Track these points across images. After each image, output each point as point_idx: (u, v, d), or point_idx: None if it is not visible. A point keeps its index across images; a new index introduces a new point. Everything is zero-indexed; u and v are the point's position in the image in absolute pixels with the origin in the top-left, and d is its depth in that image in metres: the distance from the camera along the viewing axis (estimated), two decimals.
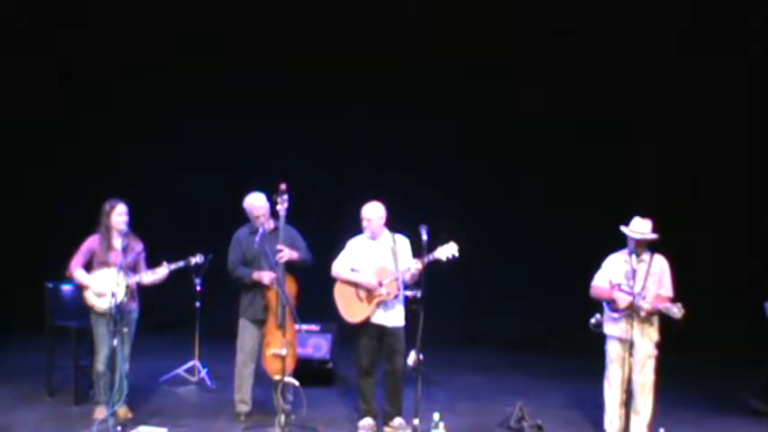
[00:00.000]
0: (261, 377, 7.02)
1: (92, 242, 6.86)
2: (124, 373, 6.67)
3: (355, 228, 6.95)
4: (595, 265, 6.82)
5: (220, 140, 11.01)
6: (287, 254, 6.70)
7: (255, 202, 6.88)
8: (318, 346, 8.35)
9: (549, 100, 10.50)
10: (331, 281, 6.89)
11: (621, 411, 6.55)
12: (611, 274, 6.68)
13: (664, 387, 6.81)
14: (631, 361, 6.45)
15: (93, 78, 10.76)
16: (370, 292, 6.72)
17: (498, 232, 10.87)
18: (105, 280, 6.70)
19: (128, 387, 6.78)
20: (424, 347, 6.40)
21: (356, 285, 6.77)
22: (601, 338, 6.76)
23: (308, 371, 7.80)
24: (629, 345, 6.43)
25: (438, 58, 10.57)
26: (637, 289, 6.45)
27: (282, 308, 6.72)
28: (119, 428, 6.38)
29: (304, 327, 7.63)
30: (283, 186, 6.62)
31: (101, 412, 6.67)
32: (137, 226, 6.96)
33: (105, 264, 6.77)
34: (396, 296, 6.72)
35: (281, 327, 6.71)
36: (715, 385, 8.89)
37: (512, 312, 10.74)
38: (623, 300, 6.50)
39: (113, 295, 6.54)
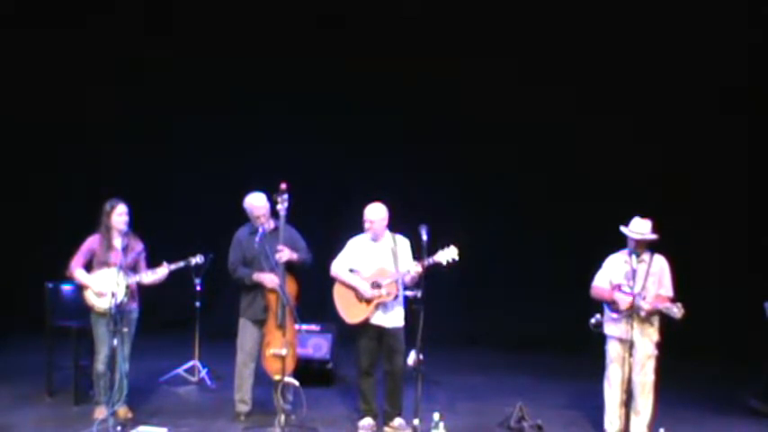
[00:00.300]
0: (261, 377, 7.02)
1: (92, 242, 6.86)
2: (124, 373, 6.67)
3: (355, 228, 6.95)
4: (595, 265, 6.82)
5: (220, 140, 11.01)
6: (287, 254, 6.70)
7: (256, 202, 6.88)
8: (318, 346, 8.35)
9: (549, 100, 10.49)
10: (331, 281, 6.89)
11: (621, 411, 6.55)
12: (612, 275, 6.68)
13: (664, 387, 6.81)
14: (631, 361, 6.45)
15: (93, 78, 10.75)
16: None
17: (498, 232, 10.87)
18: (105, 280, 6.70)
19: (128, 387, 6.79)
20: (423, 347, 6.40)
21: (353, 289, 6.77)
22: (601, 338, 6.76)
23: (308, 371, 7.81)
24: (630, 345, 6.43)
25: (438, 59, 10.56)
26: (637, 289, 6.45)
27: (283, 308, 6.72)
28: (119, 428, 6.38)
29: (304, 327, 7.63)
30: (284, 186, 6.62)
31: (101, 412, 6.67)
32: (137, 226, 6.96)
33: (105, 264, 6.77)
34: (395, 297, 6.72)
35: (282, 327, 6.71)
36: (715, 385, 8.89)
37: (512, 312, 10.75)
38: (624, 301, 6.50)
39: (113, 295, 6.54)
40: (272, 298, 6.77)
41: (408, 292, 6.69)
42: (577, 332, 7.10)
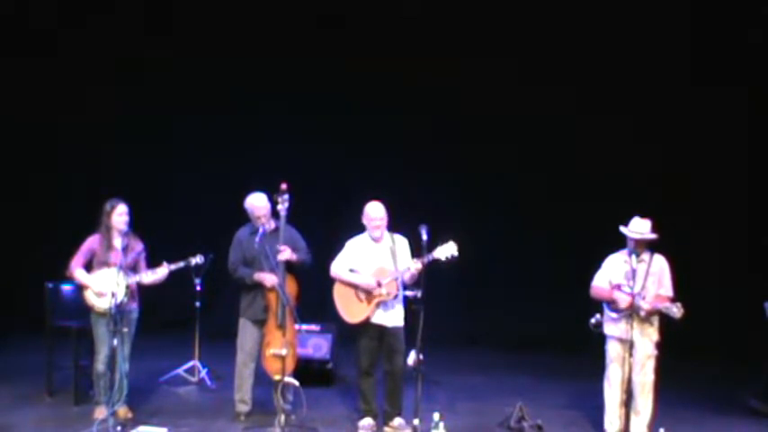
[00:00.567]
0: (261, 377, 7.02)
1: (92, 242, 6.86)
2: (124, 373, 6.67)
3: (355, 228, 6.95)
4: (595, 265, 6.82)
5: (220, 140, 11.01)
6: (288, 253, 6.70)
7: (257, 202, 6.88)
8: (318, 346, 8.35)
9: (549, 100, 10.49)
10: (331, 281, 6.89)
11: (621, 411, 6.55)
12: (611, 275, 6.68)
13: (664, 387, 6.81)
14: (631, 361, 6.45)
15: (93, 78, 10.75)
16: (369, 293, 6.72)
17: (498, 232, 10.87)
18: (105, 280, 6.70)
19: (128, 387, 6.79)
20: (423, 347, 6.40)
21: (355, 287, 6.77)
22: (601, 338, 6.76)
23: (308, 371, 7.81)
24: (629, 345, 6.43)
25: (438, 58, 10.56)
26: (636, 289, 6.45)
27: (283, 308, 6.72)
28: (119, 428, 6.38)
29: (304, 327, 7.62)
30: (284, 186, 6.62)
31: (101, 412, 6.67)
32: (137, 226, 6.96)
33: (105, 264, 6.77)
34: (395, 296, 6.72)
35: (282, 327, 6.71)
36: (715, 385, 8.89)
37: (512, 312, 10.75)
38: (623, 300, 6.50)
39: (113, 295, 6.54)
40: (272, 298, 6.77)
41: (408, 292, 6.69)
42: (577, 332, 7.10)
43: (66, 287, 7.49)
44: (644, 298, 6.48)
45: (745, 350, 9.21)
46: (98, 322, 6.76)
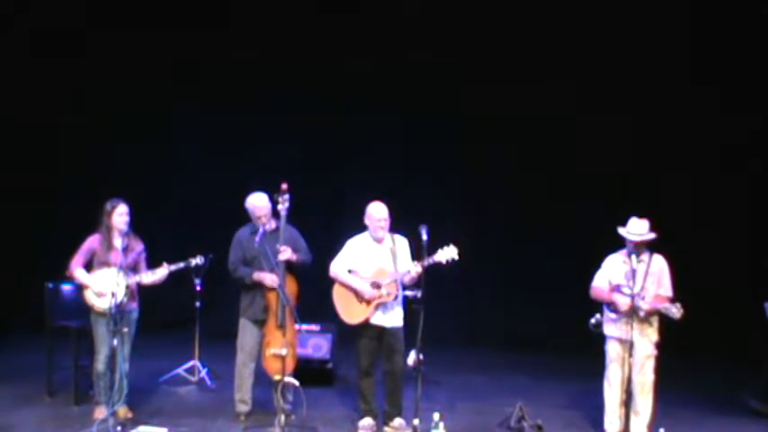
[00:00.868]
0: (261, 377, 7.02)
1: (92, 242, 6.85)
2: (124, 373, 6.67)
3: (355, 228, 6.95)
4: (595, 266, 6.82)
5: (220, 140, 11.01)
6: (288, 253, 6.70)
7: (257, 202, 6.88)
8: (318, 346, 8.35)
9: (549, 100, 10.49)
10: (331, 281, 6.89)
11: (621, 411, 6.56)
12: (611, 275, 6.68)
13: (664, 387, 6.81)
14: (631, 361, 6.45)
15: (92, 78, 10.74)
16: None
17: (498, 232, 10.87)
18: (105, 280, 6.70)
19: (128, 387, 6.79)
20: (423, 347, 6.40)
21: (352, 290, 6.77)
22: (601, 338, 6.76)
23: (308, 371, 7.81)
24: (629, 345, 6.43)
25: (438, 58, 10.57)
26: (636, 289, 6.45)
27: (283, 308, 6.71)
28: (119, 428, 6.38)
29: (304, 327, 7.64)
30: (285, 186, 6.61)
31: (101, 412, 6.67)
32: (137, 226, 6.96)
33: (105, 264, 6.77)
34: (395, 297, 6.72)
35: (282, 327, 6.71)
36: (715, 385, 8.88)
37: (512, 312, 10.75)
38: (623, 303, 6.50)
39: (113, 295, 6.54)
40: (272, 298, 6.77)
41: (408, 293, 6.69)
42: (577, 332, 7.11)
43: (67, 287, 7.49)
44: (643, 298, 6.48)
45: (745, 350, 9.21)
46: (98, 322, 6.76)
